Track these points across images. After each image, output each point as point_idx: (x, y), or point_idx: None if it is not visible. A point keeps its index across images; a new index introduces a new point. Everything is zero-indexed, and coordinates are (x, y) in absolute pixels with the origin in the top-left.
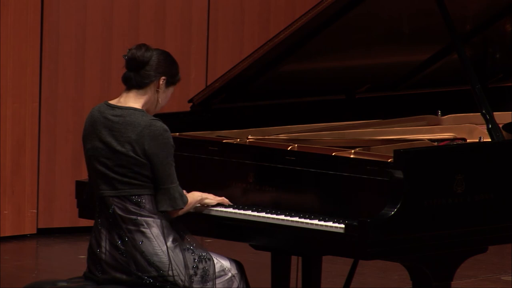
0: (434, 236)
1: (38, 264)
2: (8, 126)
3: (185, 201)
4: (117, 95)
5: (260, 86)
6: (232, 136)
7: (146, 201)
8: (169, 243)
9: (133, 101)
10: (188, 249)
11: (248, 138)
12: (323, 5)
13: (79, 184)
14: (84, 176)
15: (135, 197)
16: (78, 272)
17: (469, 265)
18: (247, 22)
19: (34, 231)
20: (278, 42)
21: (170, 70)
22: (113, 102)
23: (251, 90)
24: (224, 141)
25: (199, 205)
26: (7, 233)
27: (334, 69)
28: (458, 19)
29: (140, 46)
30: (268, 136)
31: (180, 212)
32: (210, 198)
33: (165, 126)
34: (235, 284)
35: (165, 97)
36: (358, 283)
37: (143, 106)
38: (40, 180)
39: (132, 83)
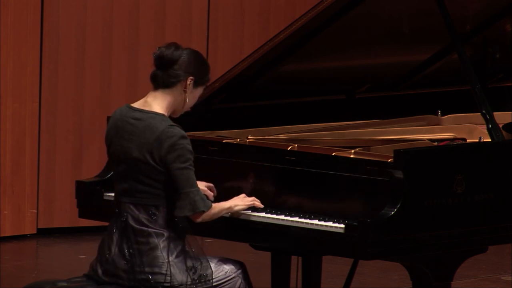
0: (434, 236)
1: (38, 264)
2: (8, 126)
3: (207, 205)
4: (117, 95)
5: (260, 86)
6: (232, 136)
7: (159, 214)
8: (172, 257)
9: (158, 102)
10: (190, 268)
11: (248, 138)
12: (323, 5)
13: (79, 184)
14: (84, 176)
15: (150, 207)
16: (78, 272)
17: (469, 265)
18: (247, 22)
19: (34, 231)
20: (278, 42)
21: (199, 70)
22: (136, 104)
23: (251, 90)
24: (224, 141)
25: (229, 214)
26: (7, 233)
27: (334, 69)
28: (458, 19)
29: (170, 45)
30: (268, 136)
31: (206, 217)
32: (240, 204)
33: (183, 133)
34: (238, 284)
35: (193, 97)
36: (358, 283)
37: (168, 106)
38: (40, 180)
39: (159, 82)
